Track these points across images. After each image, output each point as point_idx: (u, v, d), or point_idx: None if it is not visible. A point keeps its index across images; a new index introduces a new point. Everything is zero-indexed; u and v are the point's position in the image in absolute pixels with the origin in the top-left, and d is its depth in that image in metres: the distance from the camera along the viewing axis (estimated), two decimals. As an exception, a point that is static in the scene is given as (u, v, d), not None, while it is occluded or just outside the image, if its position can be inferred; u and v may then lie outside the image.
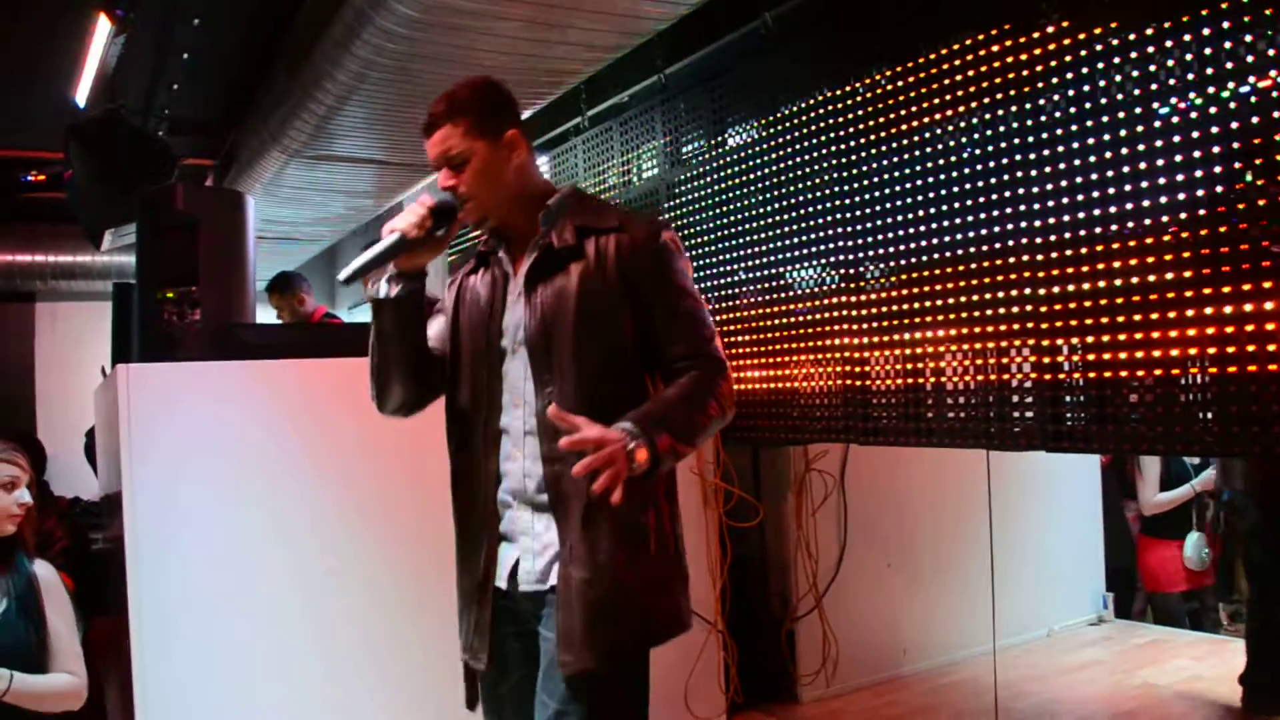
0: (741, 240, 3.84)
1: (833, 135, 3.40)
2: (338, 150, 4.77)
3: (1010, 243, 2.78)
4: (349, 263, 1.95)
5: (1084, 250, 2.57)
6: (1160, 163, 2.38)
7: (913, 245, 3.10)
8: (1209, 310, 2.29)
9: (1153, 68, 2.41)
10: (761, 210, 3.73)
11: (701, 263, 4.05)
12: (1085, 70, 2.56)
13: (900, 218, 3.14)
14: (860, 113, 3.28)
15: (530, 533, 2.00)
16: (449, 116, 1.99)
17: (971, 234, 2.90)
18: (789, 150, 3.59)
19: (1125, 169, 2.46)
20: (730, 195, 3.90)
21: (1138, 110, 2.44)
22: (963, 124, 2.93)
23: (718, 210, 3.96)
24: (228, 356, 3.28)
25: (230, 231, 3.64)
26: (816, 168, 3.47)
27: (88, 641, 2.87)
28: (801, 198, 3.54)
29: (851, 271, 3.34)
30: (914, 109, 3.08)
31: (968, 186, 2.90)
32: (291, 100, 4.42)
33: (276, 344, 3.43)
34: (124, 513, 3.03)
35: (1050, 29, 2.65)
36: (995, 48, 2.81)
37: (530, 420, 1.98)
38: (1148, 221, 2.42)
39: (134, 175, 4.97)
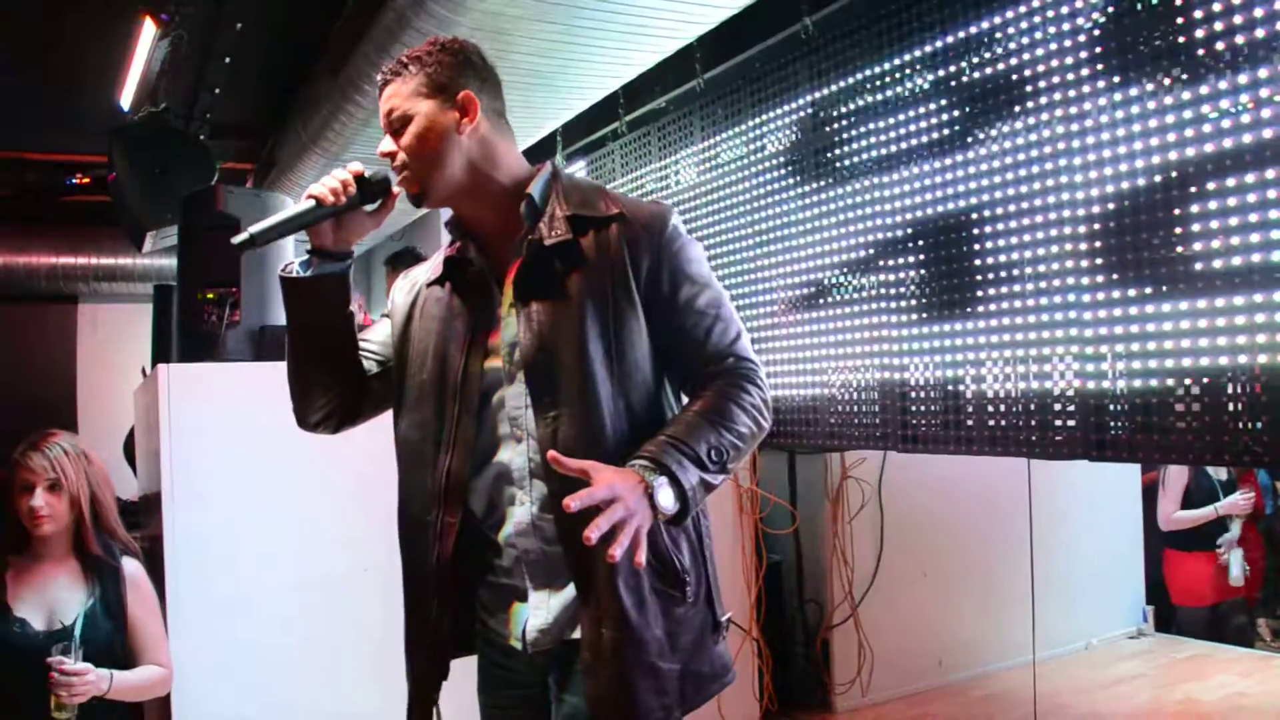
0: (780, 245, 3.82)
1: (872, 139, 3.37)
2: (376, 154, 4.80)
3: (1054, 248, 2.74)
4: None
5: (1129, 256, 2.53)
6: (1210, 167, 2.34)
7: (954, 250, 3.06)
8: (1260, 318, 2.25)
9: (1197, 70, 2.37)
10: (800, 215, 3.70)
11: (740, 267, 4.03)
12: (1118, 77, 2.52)
13: (941, 223, 3.11)
14: (900, 117, 3.25)
15: (544, 587, 1.70)
16: (398, 73, 1.69)
17: (1014, 239, 2.86)
18: (828, 154, 3.57)
19: (1174, 174, 2.42)
20: (769, 200, 3.88)
21: (1186, 114, 2.40)
22: (1005, 128, 2.90)
23: (756, 215, 3.94)
24: (267, 357, 3.31)
25: (270, 234, 3.67)
26: (856, 172, 3.44)
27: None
28: (841, 202, 3.51)
29: (891, 277, 3.31)
30: (955, 113, 3.05)
31: (1010, 191, 2.87)
32: (330, 104, 4.45)
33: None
34: (163, 511, 3.05)
35: (1094, 31, 2.62)
36: (1038, 52, 2.78)
37: (535, 457, 1.65)
38: (1196, 227, 2.38)
39: (176, 178, 5.03)
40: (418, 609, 1.78)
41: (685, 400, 1.74)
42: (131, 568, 2.66)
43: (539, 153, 5.39)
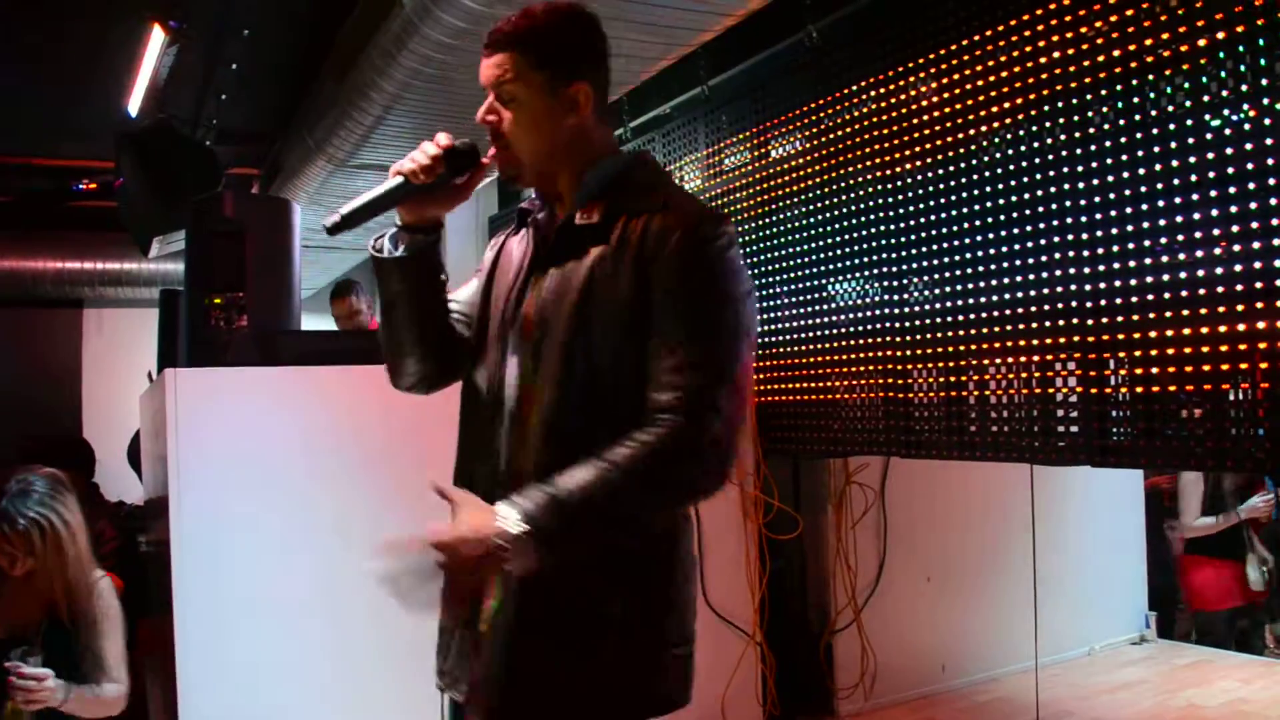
0: (784, 252, 3.84)
1: (875, 147, 3.39)
2: (382, 160, 4.82)
3: (1056, 255, 2.75)
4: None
5: (1131, 263, 2.54)
6: (1211, 175, 2.35)
7: (956, 257, 3.08)
8: (1261, 325, 2.26)
9: (1204, 79, 2.39)
10: (804, 222, 3.72)
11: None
12: (1135, 81, 2.54)
13: (943, 229, 3.12)
14: (903, 125, 3.27)
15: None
16: (515, 43, 1.62)
17: (1016, 245, 2.88)
18: (832, 162, 3.58)
19: (1175, 181, 2.43)
20: (773, 207, 3.90)
21: (1189, 122, 2.41)
22: (1008, 135, 2.91)
23: (760, 222, 3.96)
24: (273, 362, 3.32)
25: (277, 239, 3.70)
26: (859, 179, 3.46)
27: (134, 642, 2.90)
28: (844, 209, 3.53)
29: (894, 283, 3.32)
30: (958, 121, 3.07)
31: (1013, 199, 2.88)
32: (336, 110, 4.48)
33: (321, 350, 3.47)
34: (170, 516, 3.06)
35: (1099, 40, 2.63)
36: (1042, 60, 2.79)
37: (507, 431, 1.64)
38: (1198, 235, 2.39)
39: (182, 184, 5.06)
40: None
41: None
42: (102, 584, 2.66)
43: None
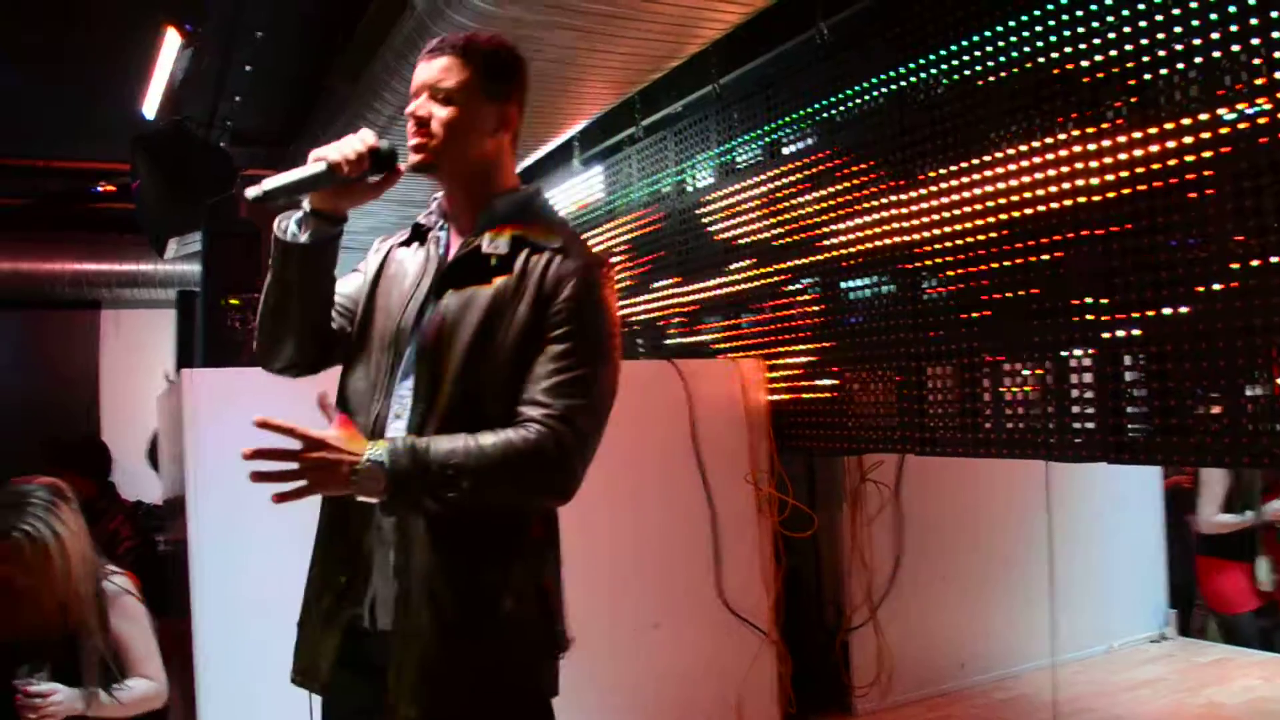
0: (797, 249, 3.83)
1: (887, 143, 3.38)
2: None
3: (1071, 251, 2.74)
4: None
5: (1147, 257, 2.53)
6: (1229, 166, 2.34)
7: (969, 254, 3.07)
8: (1278, 319, 2.24)
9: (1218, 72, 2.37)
10: (816, 219, 3.71)
11: (755, 271, 4.05)
12: (1148, 76, 2.52)
13: (957, 226, 3.11)
14: (914, 120, 3.26)
15: (387, 563, 1.74)
16: (463, 54, 1.74)
17: (1030, 241, 2.86)
18: (844, 158, 3.57)
19: (1189, 176, 2.42)
20: (785, 203, 3.89)
21: (1204, 117, 2.39)
22: (1020, 128, 2.90)
23: (772, 219, 3.96)
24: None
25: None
26: (871, 175, 3.45)
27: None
28: (857, 206, 3.52)
29: (908, 280, 3.32)
30: (970, 115, 3.06)
31: (1027, 195, 2.87)
32: (350, 111, 4.49)
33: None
34: (188, 515, 3.08)
35: (1110, 34, 2.62)
36: (1054, 55, 2.78)
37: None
38: (1210, 229, 2.38)
39: (197, 185, 5.08)
40: (332, 559, 1.88)
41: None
42: (116, 586, 2.64)
43: (556, 158, 5.42)
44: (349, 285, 1.93)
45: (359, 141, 1.72)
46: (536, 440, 1.62)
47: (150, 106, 5.15)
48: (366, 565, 1.77)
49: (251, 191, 1.65)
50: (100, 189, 7.01)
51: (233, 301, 3.57)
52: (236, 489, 3.07)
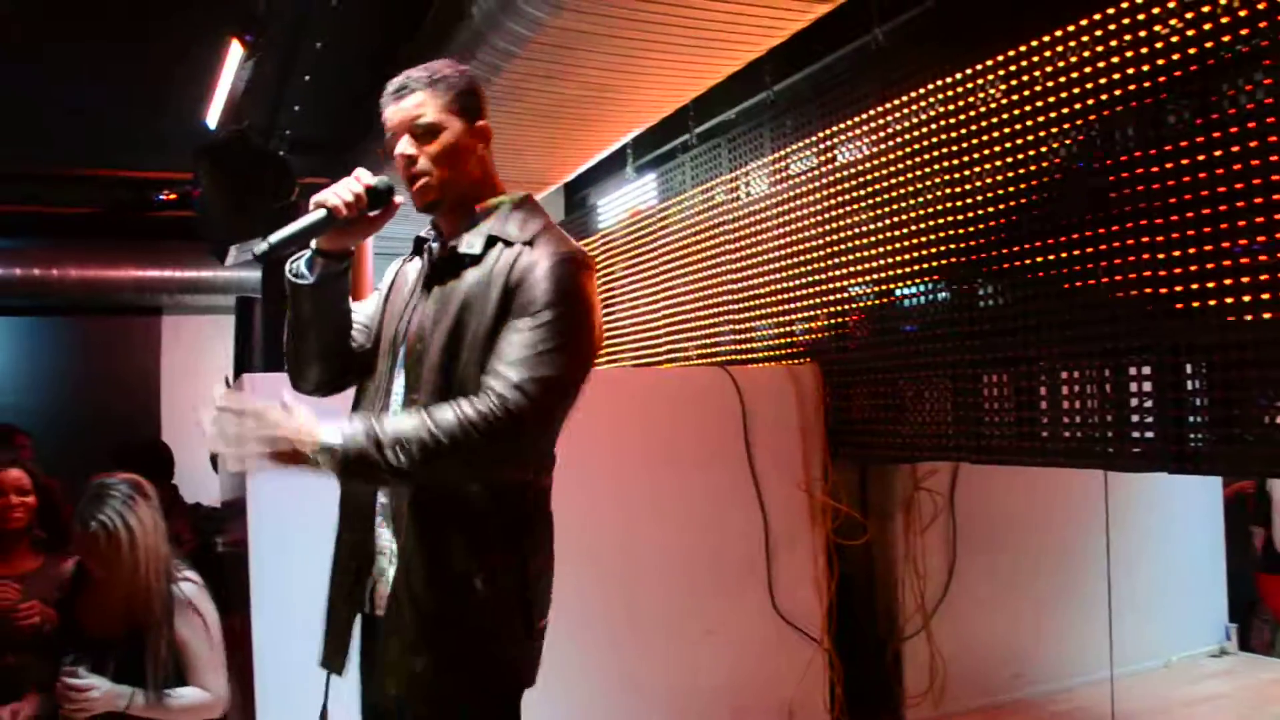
0: (851, 256, 3.82)
1: (943, 150, 3.36)
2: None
3: (1130, 258, 2.71)
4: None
5: (1209, 264, 2.49)
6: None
7: (1028, 260, 3.04)
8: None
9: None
10: (873, 225, 3.70)
11: (810, 279, 4.04)
12: (1208, 81, 2.49)
13: (1015, 232, 3.09)
14: (972, 127, 3.24)
15: (385, 551, 1.86)
16: (430, 85, 1.83)
17: (1089, 248, 2.83)
18: (899, 165, 3.56)
19: (1256, 180, 2.38)
20: (839, 211, 3.88)
21: (1269, 120, 2.36)
22: (1080, 136, 2.87)
23: (827, 226, 3.95)
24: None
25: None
26: (928, 182, 3.43)
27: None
28: (914, 212, 3.50)
29: (964, 287, 3.29)
30: (1027, 122, 3.03)
31: (1085, 200, 2.84)
32: (407, 120, 4.54)
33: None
34: (249, 517, 3.13)
35: (1174, 38, 2.58)
36: (1114, 59, 2.75)
37: None
38: (1278, 234, 2.34)
39: (258, 194, 5.18)
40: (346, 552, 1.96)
41: None
42: (187, 591, 2.67)
43: (609, 165, 5.45)
44: (368, 305, 2.04)
45: (355, 182, 1.80)
46: (488, 409, 1.66)
47: (213, 116, 5.26)
48: (371, 553, 1.88)
49: (259, 248, 1.75)
50: (163, 197, 7.17)
51: (292, 308, 3.62)
52: (296, 491, 3.14)
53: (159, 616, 2.58)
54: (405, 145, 1.83)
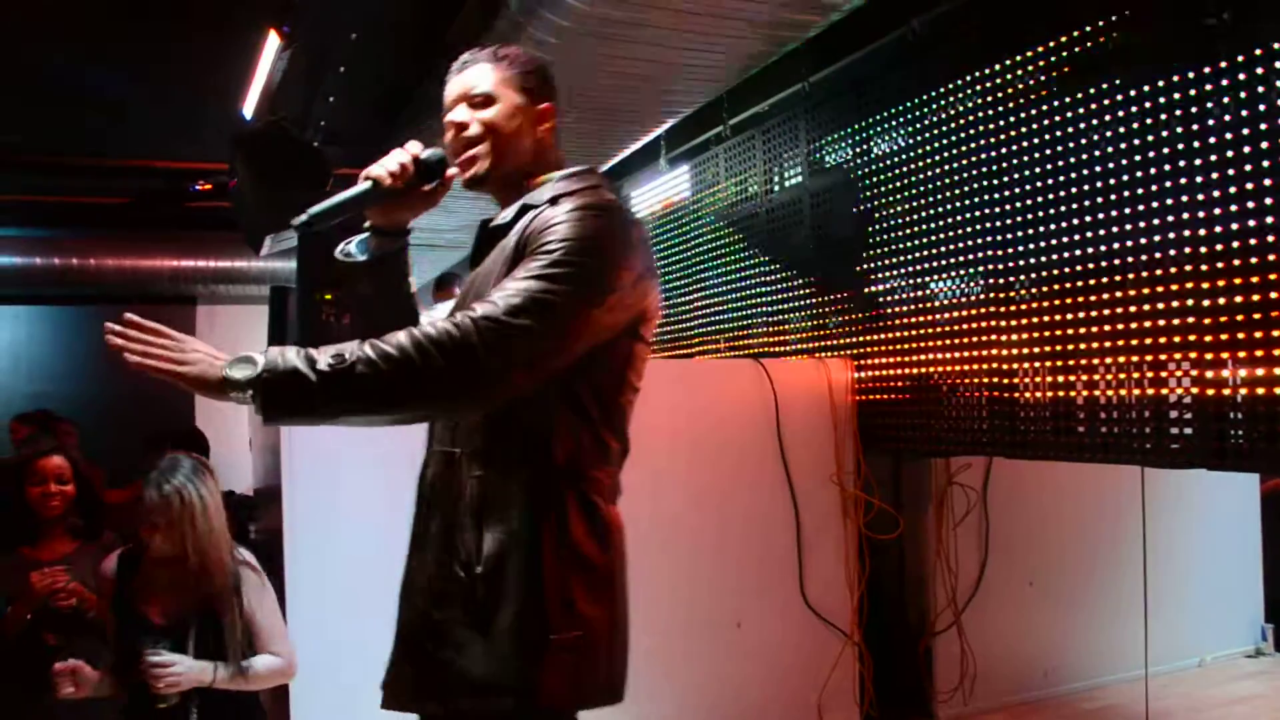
0: (887, 249, 3.80)
1: (980, 142, 3.33)
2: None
3: (1171, 252, 2.68)
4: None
5: (1253, 259, 2.46)
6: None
7: (1064, 254, 3.01)
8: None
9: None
10: (907, 218, 3.68)
11: (846, 271, 4.02)
12: (1259, 70, 2.45)
13: (1051, 226, 3.06)
14: (1009, 120, 3.21)
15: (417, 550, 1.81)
16: (494, 59, 1.77)
17: (1129, 242, 2.80)
18: (935, 158, 3.54)
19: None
20: (875, 203, 3.86)
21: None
22: (1121, 129, 2.84)
23: (863, 219, 3.93)
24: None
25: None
26: (963, 175, 3.41)
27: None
28: (948, 205, 3.48)
29: (1000, 280, 3.27)
30: (1067, 115, 3.00)
31: (1125, 194, 2.81)
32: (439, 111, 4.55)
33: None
34: (284, 504, 3.16)
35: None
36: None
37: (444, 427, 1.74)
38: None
39: (293, 184, 5.21)
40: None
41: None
42: (245, 561, 2.76)
43: (642, 157, 5.45)
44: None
45: (403, 153, 1.73)
46: (450, 325, 1.48)
47: (249, 107, 5.30)
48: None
49: (297, 220, 1.66)
50: (198, 187, 7.23)
51: (326, 297, 3.65)
52: (331, 479, 3.18)
53: (230, 586, 2.66)
54: (459, 112, 1.75)
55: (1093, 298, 2.92)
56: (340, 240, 1.82)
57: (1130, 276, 2.80)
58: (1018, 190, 3.18)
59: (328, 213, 1.66)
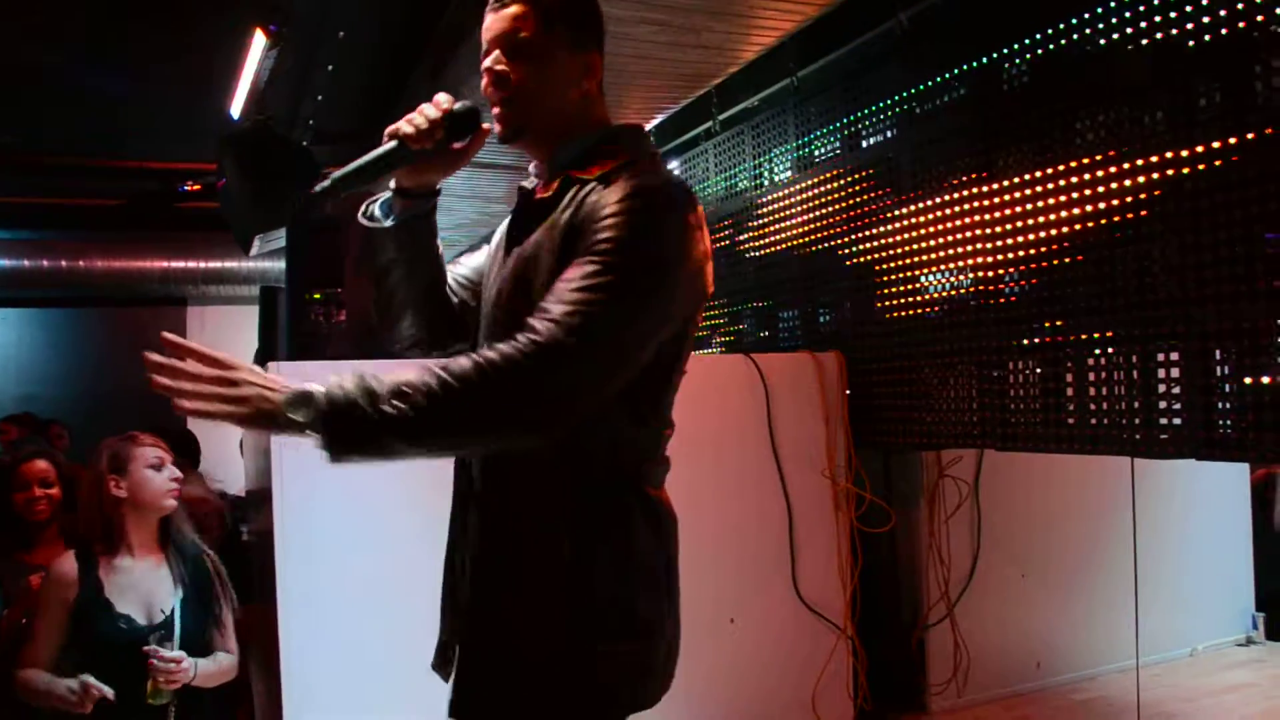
0: (876, 243, 3.80)
1: (967, 135, 3.34)
2: (477, 157, 4.89)
3: (1157, 240, 2.68)
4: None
5: (1237, 247, 2.46)
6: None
7: (1052, 246, 3.02)
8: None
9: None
10: (895, 212, 3.68)
11: (835, 265, 4.03)
12: (1242, 67, 2.46)
13: (1040, 218, 3.06)
14: (996, 112, 3.22)
15: (458, 557, 1.71)
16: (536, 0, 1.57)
17: (1118, 234, 2.81)
18: (923, 151, 3.54)
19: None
20: (863, 198, 3.86)
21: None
22: (1101, 117, 2.84)
23: (851, 214, 3.93)
24: (372, 355, 3.39)
25: (374, 235, 3.79)
26: (950, 168, 3.41)
27: (239, 626, 3.01)
28: (935, 199, 3.48)
29: (988, 273, 3.27)
30: (1053, 106, 3.01)
31: (1114, 185, 2.81)
32: (430, 108, 4.54)
33: (418, 343, 3.54)
34: (273, 505, 3.15)
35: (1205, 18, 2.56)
36: (1143, 41, 2.72)
37: None
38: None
39: (282, 184, 5.20)
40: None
41: None
42: (206, 556, 2.84)
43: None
44: (474, 258, 1.82)
45: (432, 108, 1.59)
46: (512, 347, 1.38)
47: (237, 107, 5.29)
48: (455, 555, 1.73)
49: (320, 185, 1.55)
50: (187, 188, 7.22)
51: (315, 296, 3.64)
52: (321, 481, 3.17)
53: (206, 581, 2.77)
54: (494, 59, 1.58)
55: (1081, 288, 2.93)
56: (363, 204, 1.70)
57: (1119, 267, 2.80)
58: (1005, 182, 3.18)
59: (352, 175, 1.55)
